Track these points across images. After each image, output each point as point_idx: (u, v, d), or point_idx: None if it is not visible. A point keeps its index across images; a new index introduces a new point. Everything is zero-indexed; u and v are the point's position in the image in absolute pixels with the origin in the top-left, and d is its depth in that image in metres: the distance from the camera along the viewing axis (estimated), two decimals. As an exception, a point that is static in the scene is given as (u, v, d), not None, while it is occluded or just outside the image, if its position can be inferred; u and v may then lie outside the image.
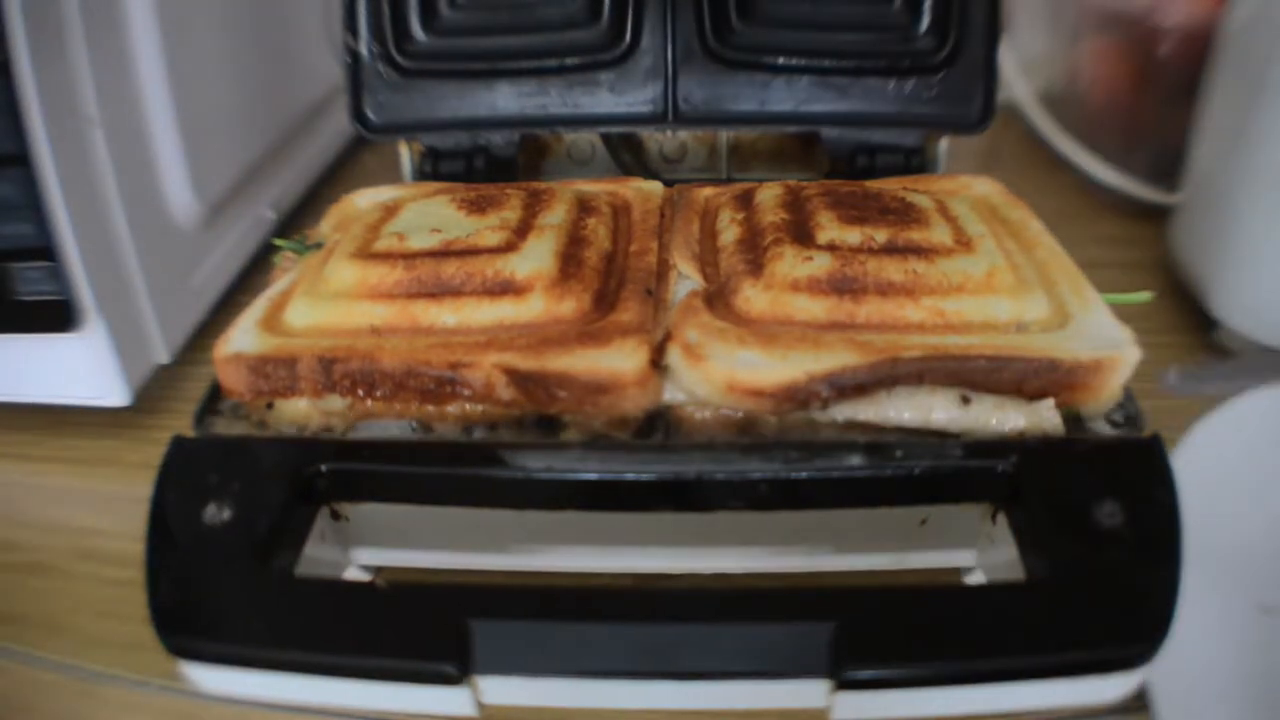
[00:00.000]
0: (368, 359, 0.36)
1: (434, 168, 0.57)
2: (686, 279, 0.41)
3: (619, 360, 0.35)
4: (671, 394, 0.36)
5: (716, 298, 0.39)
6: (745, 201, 0.45)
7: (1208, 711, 0.29)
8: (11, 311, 0.46)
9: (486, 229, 0.41)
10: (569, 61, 0.55)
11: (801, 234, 0.40)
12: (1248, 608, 0.38)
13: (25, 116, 0.42)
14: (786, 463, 0.34)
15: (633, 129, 0.58)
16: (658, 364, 0.36)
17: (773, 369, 0.34)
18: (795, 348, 0.35)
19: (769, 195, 0.45)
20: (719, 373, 0.34)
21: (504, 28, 0.56)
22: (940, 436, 0.35)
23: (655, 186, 0.49)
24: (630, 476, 0.34)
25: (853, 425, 0.35)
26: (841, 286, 0.38)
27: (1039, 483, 0.33)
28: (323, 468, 0.35)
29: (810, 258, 0.38)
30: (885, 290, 0.38)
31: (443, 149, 0.57)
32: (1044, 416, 0.35)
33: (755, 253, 0.40)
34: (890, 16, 0.54)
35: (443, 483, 0.35)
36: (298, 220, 0.69)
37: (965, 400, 0.35)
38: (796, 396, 0.34)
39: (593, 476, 0.34)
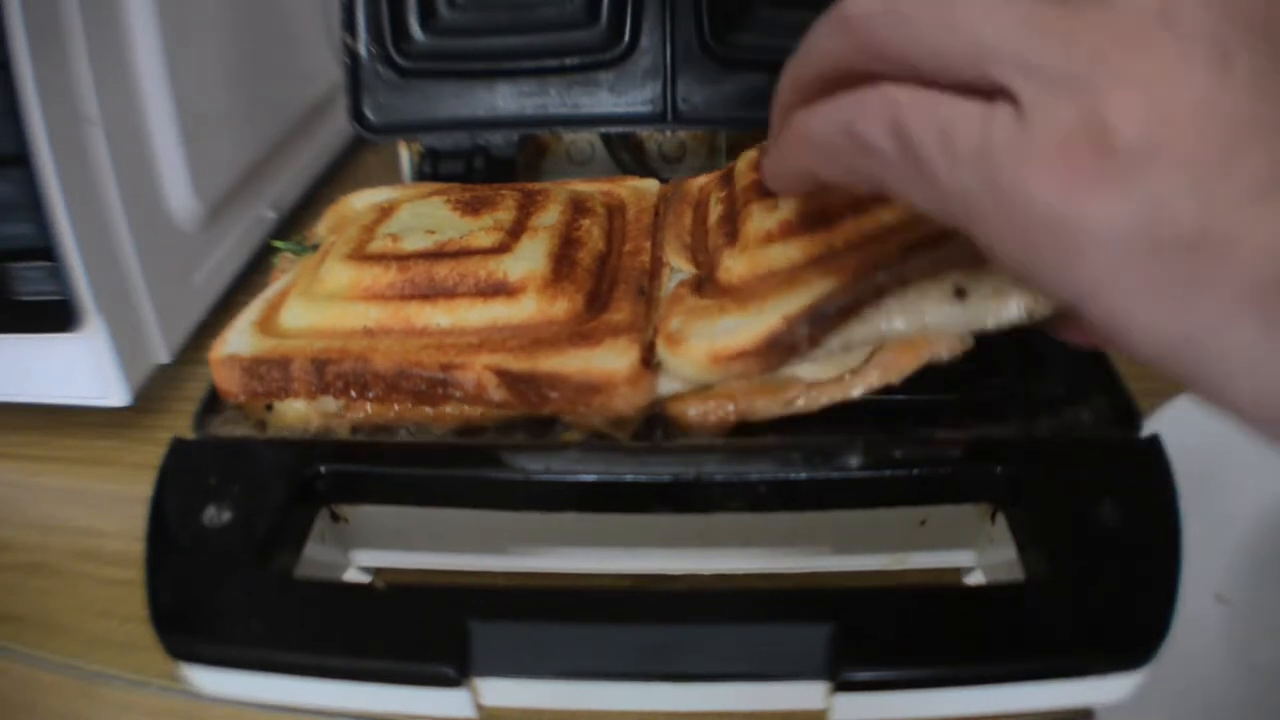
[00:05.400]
0: (360, 360, 0.35)
1: (433, 168, 0.57)
2: (679, 273, 0.41)
3: (610, 360, 0.34)
4: (666, 386, 0.35)
5: (705, 280, 0.39)
6: (728, 178, 0.45)
7: (1158, 697, 0.29)
8: (11, 311, 0.46)
9: (480, 230, 0.41)
10: (568, 61, 0.55)
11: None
12: (1203, 596, 0.39)
13: (25, 116, 0.42)
14: (786, 464, 0.34)
15: (632, 129, 0.58)
16: (649, 362, 0.35)
17: (750, 327, 0.33)
18: (770, 298, 0.34)
19: (744, 161, 0.44)
20: (699, 349, 0.34)
21: (503, 28, 0.56)
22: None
23: (650, 184, 0.49)
24: (629, 478, 0.34)
25: (850, 408, 0.34)
26: (812, 221, 0.36)
27: (1039, 483, 0.33)
28: (322, 469, 0.35)
29: (776, 205, 0.38)
30: (858, 207, 0.36)
31: (442, 149, 0.57)
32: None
33: (732, 222, 0.40)
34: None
35: (442, 484, 0.35)
36: (298, 220, 0.69)
37: (960, 293, 0.33)
38: (781, 345, 0.33)
39: (591, 478, 0.34)
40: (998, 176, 0.21)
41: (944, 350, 0.34)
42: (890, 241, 0.34)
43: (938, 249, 0.32)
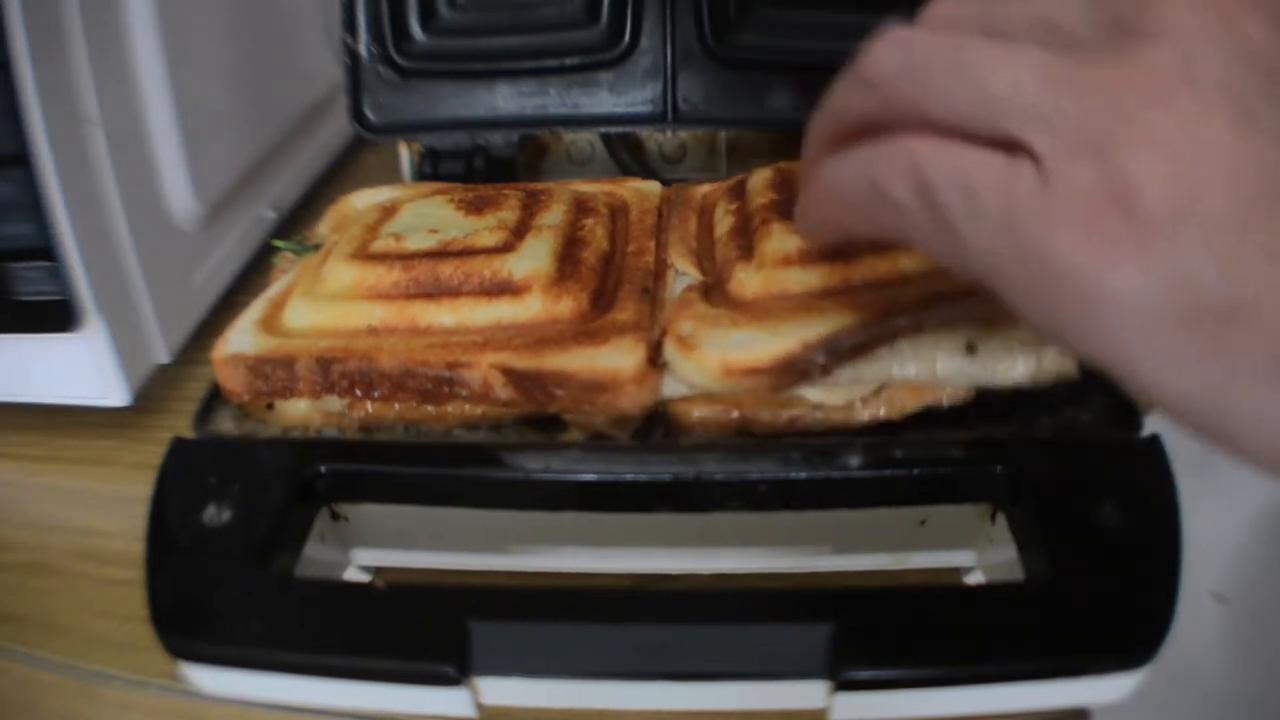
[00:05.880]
0: (365, 359, 0.35)
1: (434, 168, 0.57)
2: (684, 276, 0.41)
3: (616, 358, 0.35)
4: (672, 388, 0.36)
5: (714, 288, 0.39)
6: (738, 192, 0.45)
7: (1153, 696, 0.30)
8: (11, 311, 0.46)
9: (484, 229, 0.41)
10: (568, 61, 0.55)
11: (791, 209, 0.40)
12: (1200, 594, 0.39)
13: (25, 116, 0.42)
14: (786, 463, 0.34)
15: (632, 129, 0.58)
16: (655, 362, 0.35)
17: (766, 344, 0.34)
18: (787, 320, 0.34)
19: (759, 180, 0.45)
20: (712, 358, 0.34)
21: (503, 28, 0.56)
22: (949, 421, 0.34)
23: (653, 186, 0.49)
24: (629, 477, 0.34)
25: (855, 426, 0.35)
26: (833, 252, 0.37)
27: (1039, 483, 0.33)
28: (322, 468, 0.35)
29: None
30: (879, 247, 0.36)
31: (442, 149, 0.57)
32: (1055, 358, 0.34)
33: (746, 237, 0.40)
34: (887, 16, 0.54)
35: (442, 483, 0.35)
36: (298, 220, 0.69)
37: (970, 348, 0.34)
38: (794, 368, 0.33)
39: (592, 477, 0.34)
40: (1022, 237, 0.21)
41: (946, 398, 0.35)
42: (908, 288, 0.35)
43: (956, 303, 0.34)
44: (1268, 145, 0.19)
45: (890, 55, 0.24)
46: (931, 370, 0.34)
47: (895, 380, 0.34)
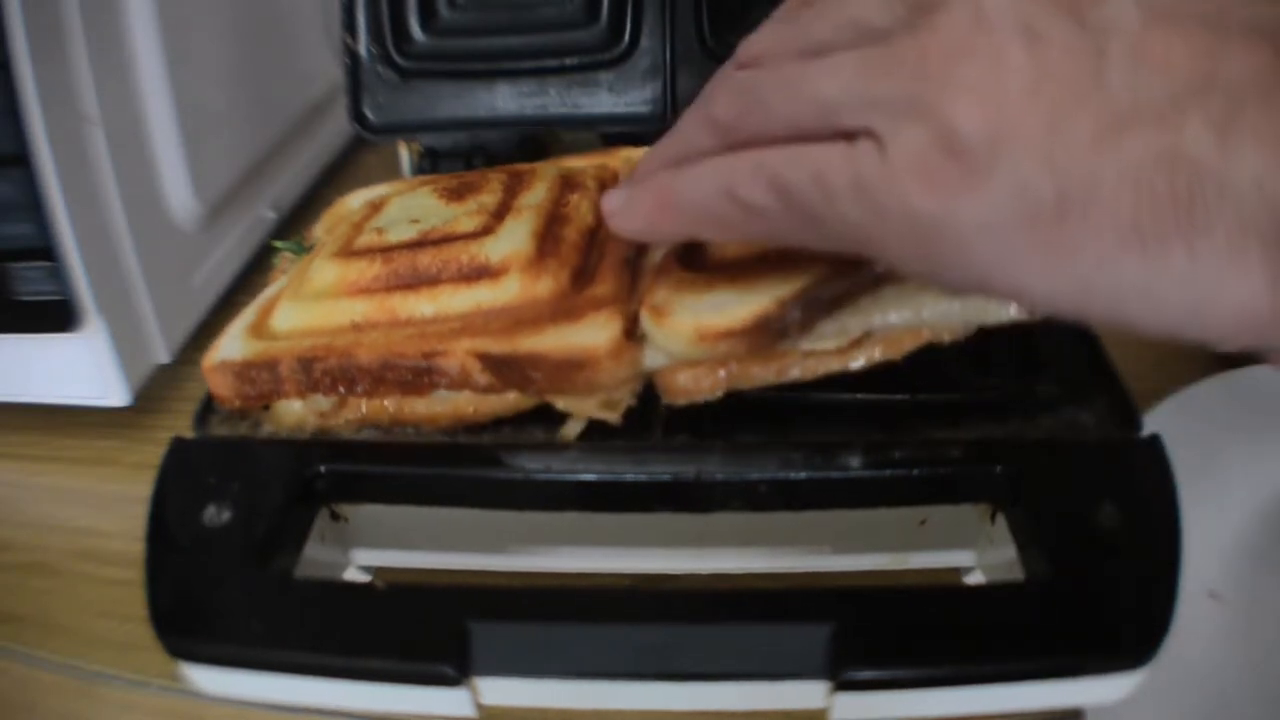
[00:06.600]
0: (344, 355, 0.35)
1: (433, 167, 0.57)
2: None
3: (591, 335, 0.34)
4: (653, 359, 0.35)
5: (694, 251, 0.38)
6: None
7: (1149, 695, 0.30)
8: (11, 311, 0.46)
9: (464, 215, 0.40)
10: (568, 61, 0.55)
11: None
12: (1197, 593, 0.39)
13: (25, 116, 0.42)
14: (785, 464, 0.34)
15: (632, 129, 0.58)
16: (632, 334, 0.34)
17: (740, 305, 0.32)
18: (763, 278, 0.33)
19: None
20: (686, 324, 0.33)
21: (503, 28, 0.56)
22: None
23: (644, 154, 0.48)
24: (629, 477, 0.34)
25: (850, 407, 0.35)
26: None
27: (1039, 483, 0.33)
28: (321, 469, 0.35)
29: None
30: None
31: (442, 149, 0.57)
32: None
33: None
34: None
35: (442, 484, 0.35)
36: (298, 220, 0.69)
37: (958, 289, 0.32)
38: (770, 327, 0.32)
39: (591, 477, 0.34)
40: (877, 201, 0.23)
41: (946, 334, 0.34)
42: None
43: None
44: (1057, 54, 0.21)
45: (732, 101, 0.27)
46: (918, 316, 0.33)
47: (879, 329, 0.33)
